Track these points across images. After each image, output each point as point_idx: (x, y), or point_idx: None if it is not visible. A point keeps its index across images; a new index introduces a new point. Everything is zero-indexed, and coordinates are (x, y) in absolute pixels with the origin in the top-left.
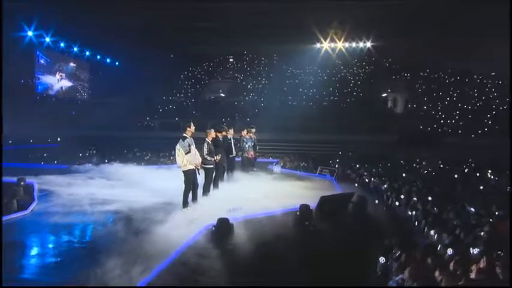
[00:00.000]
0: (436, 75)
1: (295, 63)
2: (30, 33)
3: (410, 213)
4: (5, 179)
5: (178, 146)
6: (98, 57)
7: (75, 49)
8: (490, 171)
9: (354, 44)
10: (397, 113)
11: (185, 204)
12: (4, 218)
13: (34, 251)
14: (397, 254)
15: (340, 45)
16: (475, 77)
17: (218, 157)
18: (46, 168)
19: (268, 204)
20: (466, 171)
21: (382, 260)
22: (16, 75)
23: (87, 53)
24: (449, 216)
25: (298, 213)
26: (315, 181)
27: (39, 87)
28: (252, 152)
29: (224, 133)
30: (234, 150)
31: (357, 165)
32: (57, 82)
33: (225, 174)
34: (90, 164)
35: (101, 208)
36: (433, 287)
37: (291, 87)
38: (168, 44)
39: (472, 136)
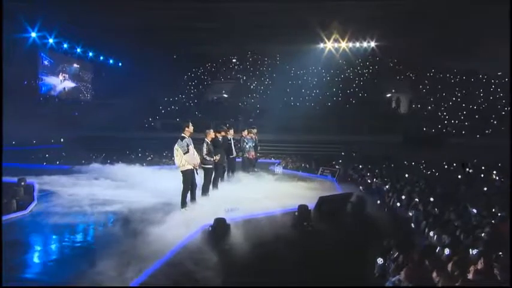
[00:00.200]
0: (441, 75)
1: (299, 64)
2: (33, 35)
3: (410, 214)
4: (6, 179)
5: (176, 146)
6: (101, 58)
7: (79, 50)
8: (495, 172)
9: (357, 44)
10: (401, 114)
11: (183, 204)
12: (3, 218)
13: (30, 251)
14: (395, 255)
15: (344, 45)
16: (481, 76)
17: (217, 157)
18: (48, 168)
19: (267, 204)
20: (470, 172)
21: (380, 261)
22: (20, 76)
23: (90, 54)
24: (450, 217)
25: (296, 213)
26: (316, 182)
27: (43, 88)
28: (252, 153)
29: (223, 133)
30: (234, 150)
31: (360, 166)
32: (60, 83)
33: (226, 174)
34: (92, 165)
35: (101, 209)
36: (430, 287)
37: (294, 87)
38: (171, 45)
39: (477, 136)
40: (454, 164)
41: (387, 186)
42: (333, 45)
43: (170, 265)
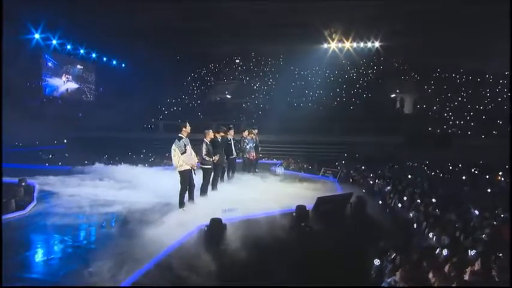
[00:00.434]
0: (446, 75)
1: (302, 64)
2: (37, 36)
3: (411, 215)
4: (7, 179)
5: (174, 146)
6: (104, 59)
7: (82, 51)
8: (500, 173)
9: (361, 44)
10: (405, 114)
11: (181, 204)
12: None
13: (25, 251)
14: (393, 256)
15: (348, 45)
16: (487, 76)
17: (216, 157)
18: (50, 169)
19: (265, 205)
20: (475, 173)
21: (377, 262)
22: (23, 77)
23: (94, 55)
24: (451, 218)
25: (294, 214)
26: (316, 183)
27: (47, 89)
28: (253, 153)
29: (222, 133)
30: (234, 151)
31: (363, 167)
32: (63, 84)
33: (226, 175)
34: (94, 166)
35: (100, 209)
36: None
37: (297, 88)
38: (174, 46)
39: (483, 137)
40: (459, 165)
41: (389, 187)
42: (336, 46)
43: (162, 265)
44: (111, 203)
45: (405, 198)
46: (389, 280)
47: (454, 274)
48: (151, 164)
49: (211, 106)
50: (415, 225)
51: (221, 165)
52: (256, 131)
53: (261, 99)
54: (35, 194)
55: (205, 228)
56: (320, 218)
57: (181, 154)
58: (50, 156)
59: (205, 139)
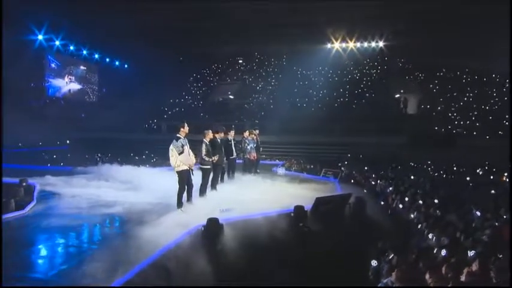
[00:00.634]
0: (452, 75)
1: (305, 64)
2: (40, 37)
3: (412, 215)
4: (9, 180)
5: (171, 147)
6: (107, 60)
7: (85, 52)
8: (506, 174)
9: (365, 44)
10: (410, 114)
11: (179, 204)
12: None
13: (23, 251)
14: (390, 257)
15: (352, 45)
16: (494, 76)
17: (216, 158)
18: (52, 170)
19: (264, 205)
20: (480, 173)
21: (374, 263)
22: (27, 78)
23: (96, 56)
24: (451, 219)
25: (292, 214)
26: (317, 183)
27: (50, 90)
28: (254, 154)
29: (222, 133)
30: (234, 151)
31: (365, 168)
32: (66, 85)
33: (226, 175)
34: (95, 167)
35: (99, 210)
36: None
37: (300, 88)
38: (177, 46)
39: (487, 137)
40: (464, 166)
41: (391, 188)
42: (340, 46)
43: (157, 265)
44: (111, 203)
45: (406, 199)
46: (385, 281)
47: (451, 275)
48: (153, 165)
49: (213, 107)
50: (415, 226)
51: (220, 165)
52: (257, 131)
53: (264, 100)
54: (35, 194)
55: (202, 228)
56: (318, 218)
57: (179, 154)
58: (54, 156)
59: (204, 139)
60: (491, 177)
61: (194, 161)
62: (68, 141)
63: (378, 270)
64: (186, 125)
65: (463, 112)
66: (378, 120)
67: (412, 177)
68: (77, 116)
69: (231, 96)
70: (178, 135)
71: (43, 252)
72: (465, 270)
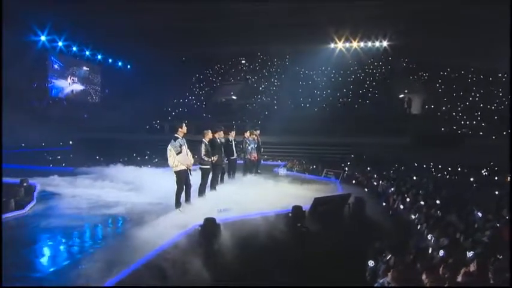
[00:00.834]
0: (457, 75)
1: (309, 65)
2: (43, 38)
3: (413, 216)
4: (10, 180)
5: (169, 147)
6: (110, 60)
7: (87, 53)
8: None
9: (369, 44)
10: (414, 114)
11: (178, 204)
12: None
13: (22, 250)
14: (388, 257)
15: (355, 45)
16: (500, 75)
17: (215, 158)
18: (54, 170)
19: (263, 205)
20: (484, 174)
21: (371, 263)
22: (30, 79)
23: (99, 57)
24: (452, 220)
25: (290, 214)
26: (318, 184)
27: (53, 91)
28: (254, 154)
29: (221, 133)
30: (235, 151)
31: (368, 168)
32: (69, 86)
33: (226, 176)
34: (97, 167)
35: (98, 210)
36: None
37: (303, 88)
38: (180, 47)
39: (493, 138)
40: (468, 166)
41: (393, 189)
42: (343, 45)
43: (152, 265)
44: (111, 203)
45: (408, 199)
46: (381, 281)
47: (448, 275)
48: (155, 165)
49: (216, 107)
50: (414, 227)
51: (220, 165)
52: (258, 131)
53: (268, 101)
54: (35, 194)
55: (199, 228)
56: (317, 218)
57: (177, 154)
58: (59, 157)
59: (204, 139)
60: (496, 177)
61: (192, 161)
62: (70, 142)
63: (375, 270)
64: (184, 125)
65: (468, 112)
66: (381, 121)
67: (414, 177)
68: (79, 116)
69: (234, 97)
70: (176, 135)
71: (39, 251)
72: (462, 271)
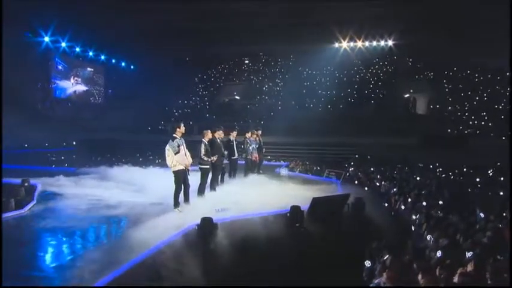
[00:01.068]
0: (463, 74)
1: (313, 64)
2: (46, 39)
3: (414, 217)
4: (11, 180)
5: (168, 147)
6: (113, 61)
7: (91, 53)
8: None
9: (374, 43)
10: (419, 114)
11: (176, 204)
12: None
13: (17, 249)
14: (385, 258)
15: (360, 44)
16: (508, 74)
17: (214, 158)
18: (56, 170)
19: (262, 205)
20: (490, 175)
21: (367, 263)
22: (33, 80)
23: (102, 57)
24: (452, 221)
25: (288, 214)
26: (319, 184)
27: (57, 92)
28: (256, 155)
29: (221, 133)
30: (236, 152)
31: (372, 169)
32: (72, 86)
33: (227, 176)
34: (99, 167)
35: (97, 210)
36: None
37: (307, 88)
38: (183, 47)
39: (503, 138)
40: (473, 167)
41: (395, 189)
42: (348, 45)
43: (147, 264)
44: (111, 204)
45: (409, 200)
46: (377, 281)
47: (444, 276)
48: (158, 166)
49: (220, 107)
50: (414, 227)
51: (220, 165)
52: (259, 132)
53: (272, 100)
54: (36, 194)
55: (196, 228)
56: (315, 218)
57: (175, 154)
58: (62, 158)
59: (203, 139)
60: (501, 178)
61: (191, 161)
62: (74, 143)
63: (371, 270)
64: (182, 125)
65: (475, 112)
66: (386, 121)
67: (418, 178)
68: (83, 117)
69: (237, 97)
70: (174, 135)
71: (37, 251)
72: (458, 271)
